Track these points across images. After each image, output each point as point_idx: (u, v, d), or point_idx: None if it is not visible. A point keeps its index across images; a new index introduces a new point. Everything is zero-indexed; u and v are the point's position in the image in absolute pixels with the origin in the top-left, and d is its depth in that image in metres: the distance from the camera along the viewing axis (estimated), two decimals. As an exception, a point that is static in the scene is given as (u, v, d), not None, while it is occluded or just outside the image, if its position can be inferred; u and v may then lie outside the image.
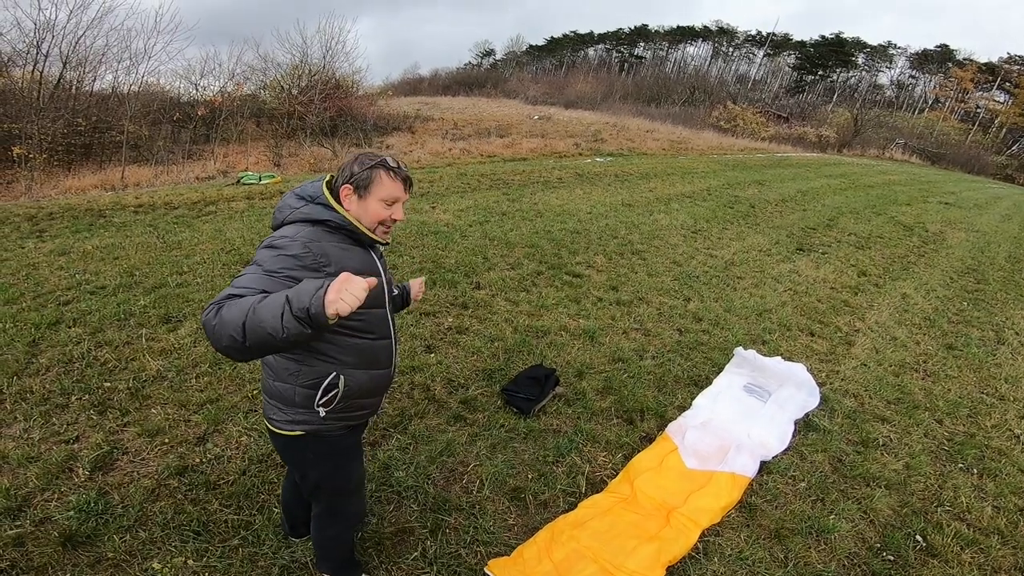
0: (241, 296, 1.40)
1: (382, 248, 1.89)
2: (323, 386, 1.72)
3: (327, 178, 1.75)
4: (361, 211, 1.71)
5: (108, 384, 3.42)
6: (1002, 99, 60.54)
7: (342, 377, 1.74)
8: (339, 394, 1.75)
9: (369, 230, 1.72)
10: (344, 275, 1.33)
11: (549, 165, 14.59)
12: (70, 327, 4.08)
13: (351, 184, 1.70)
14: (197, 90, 18.53)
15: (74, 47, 14.82)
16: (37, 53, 14.36)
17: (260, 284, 1.47)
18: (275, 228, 1.72)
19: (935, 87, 65.85)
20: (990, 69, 61.20)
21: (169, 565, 2.24)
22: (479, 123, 25.28)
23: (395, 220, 1.77)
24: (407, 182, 1.76)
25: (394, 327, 1.93)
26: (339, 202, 1.71)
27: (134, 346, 3.88)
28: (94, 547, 2.31)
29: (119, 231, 6.58)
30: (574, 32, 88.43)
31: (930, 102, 64.94)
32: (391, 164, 1.72)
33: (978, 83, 61.88)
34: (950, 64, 64.58)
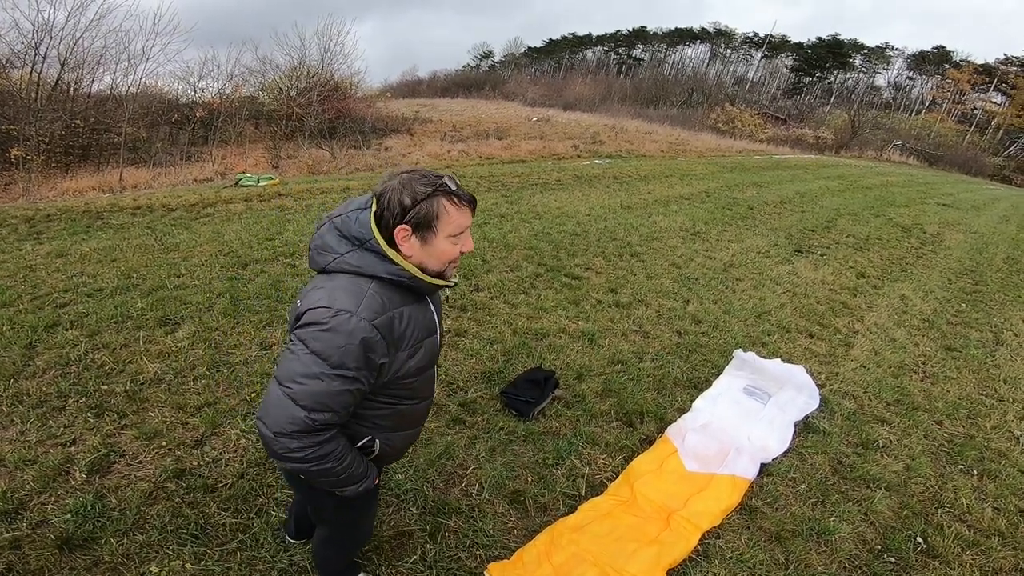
0: (326, 422, 1.35)
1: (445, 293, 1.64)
2: (358, 446, 1.58)
3: (371, 207, 1.39)
4: (426, 256, 1.40)
5: (105, 387, 3.40)
6: (999, 100, 60.73)
7: (378, 441, 1.61)
8: (374, 455, 1.63)
9: (436, 275, 1.44)
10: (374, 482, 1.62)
11: (548, 167, 14.60)
12: (67, 329, 4.06)
13: (409, 224, 1.36)
14: (195, 92, 18.59)
15: (72, 49, 14.85)
16: (35, 55, 14.38)
17: (338, 401, 1.35)
18: (317, 271, 1.46)
19: (932, 89, 66.04)
20: (987, 70, 61.39)
21: (167, 569, 2.22)
22: (477, 125, 25.33)
23: (464, 253, 1.46)
24: (473, 204, 1.43)
25: (436, 378, 1.75)
26: (394, 244, 1.39)
27: (131, 349, 3.86)
28: (91, 550, 2.29)
29: (116, 233, 6.56)
30: (572, 34, 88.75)
31: (927, 104, 65.09)
32: (453, 188, 1.37)
33: (975, 84, 62.07)
34: (947, 65, 64.80)
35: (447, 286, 1.49)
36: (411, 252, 1.38)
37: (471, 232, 1.47)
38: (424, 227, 1.35)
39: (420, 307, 1.48)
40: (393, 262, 1.36)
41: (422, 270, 1.41)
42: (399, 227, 1.35)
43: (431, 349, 1.55)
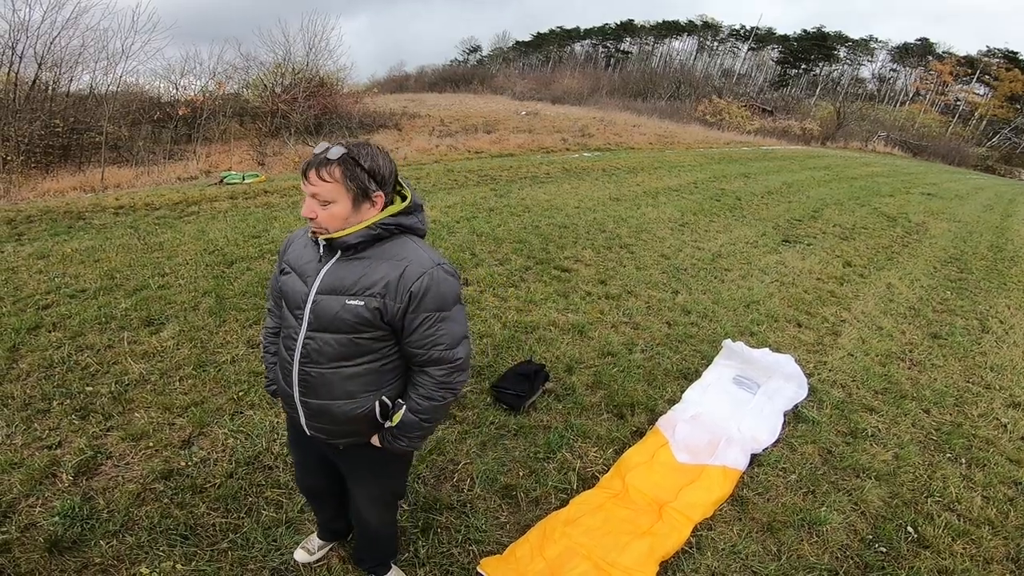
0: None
1: (352, 255, 1.56)
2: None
3: None
4: None
5: (90, 388, 3.35)
6: (982, 92, 61.30)
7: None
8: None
9: None
10: None
11: (537, 160, 14.56)
12: (50, 331, 4.00)
13: None
14: (178, 90, 18.34)
15: (49, 48, 14.59)
16: (12, 54, 14.11)
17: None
18: None
19: (915, 80, 66.51)
20: (969, 62, 61.93)
21: (158, 570, 2.20)
22: (466, 119, 25.20)
23: (306, 216, 1.53)
24: (306, 168, 1.47)
25: (301, 354, 1.63)
26: None
27: (116, 349, 3.81)
28: (81, 552, 2.27)
29: (99, 233, 6.46)
30: (560, 28, 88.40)
31: (911, 95, 65.58)
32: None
33: (957, 76, 62.59)
34: (930, 57, 65.28)
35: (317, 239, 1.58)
36: None
37: (312, 202, 1.49)
38: None
39: (314, 249, 1.62)
40: None
41: None
42: None
43: (288, 286, 1.65)
